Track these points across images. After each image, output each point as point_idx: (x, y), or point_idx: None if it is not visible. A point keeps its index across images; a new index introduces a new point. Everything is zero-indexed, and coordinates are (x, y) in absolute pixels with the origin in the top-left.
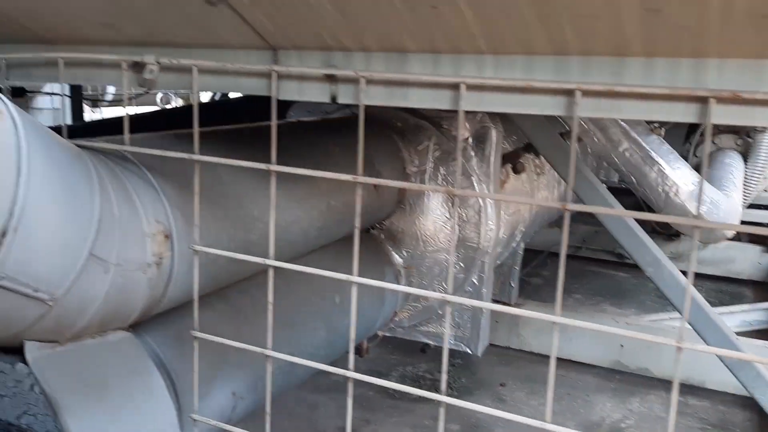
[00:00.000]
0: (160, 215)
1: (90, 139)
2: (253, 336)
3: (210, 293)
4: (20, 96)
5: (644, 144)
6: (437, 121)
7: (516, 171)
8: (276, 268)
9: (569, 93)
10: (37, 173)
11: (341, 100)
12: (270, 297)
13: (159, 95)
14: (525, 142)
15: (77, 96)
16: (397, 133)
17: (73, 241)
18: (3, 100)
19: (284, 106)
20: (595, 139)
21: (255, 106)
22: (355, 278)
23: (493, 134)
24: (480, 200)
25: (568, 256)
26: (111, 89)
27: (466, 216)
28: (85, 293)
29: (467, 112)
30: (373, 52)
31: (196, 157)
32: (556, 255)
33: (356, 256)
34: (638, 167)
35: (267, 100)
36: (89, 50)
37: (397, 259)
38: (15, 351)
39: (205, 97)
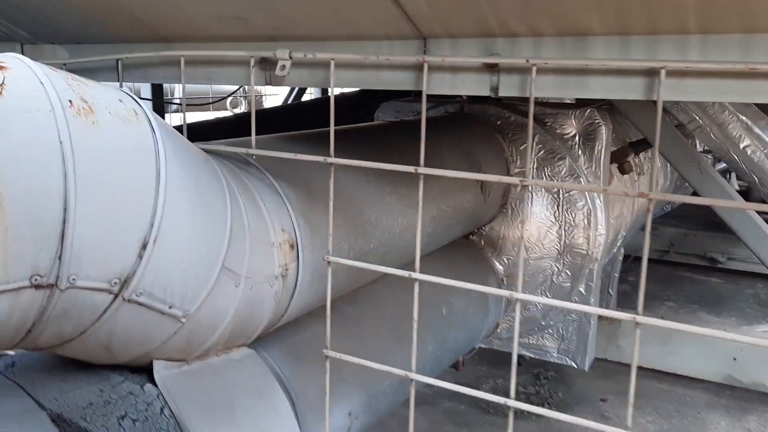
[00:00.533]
0: (286, 223)
1: (211, 143)
2: (369, 351)
3: (321, 305)
4: None
5: None
6: (540, 118)
7: (623, 171)
8: (387, 279)
9: None
10: (174, 180)
11: (503, 92)
12: (415, 314)
13: (230, 99)
14: (630, 139)
15: (158, 99)
16: (499, 131)
17: (207, 253)
18: (136, 101)
19: (371, 107)
20: (712, 136)
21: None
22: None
23: (604, 132)
24: (589, 203)
25: (656, 261)
26: (177, 92)
27: (574, 220)
28: (216, 308)
29: (573, 107)
30: (544, 36)
31: (332, 159)
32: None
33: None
34: (761, 165)
35: (341, 102)
36: (209, 48)
37: (498, 266)
38: (142, 370)
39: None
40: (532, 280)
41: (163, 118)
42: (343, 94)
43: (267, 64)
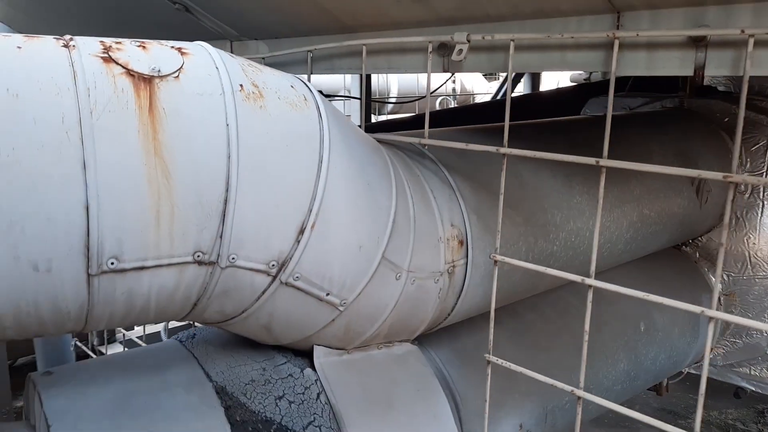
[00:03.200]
0: (456, 218)
1: (388, 133)
2: (547, 361)
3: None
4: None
5: None
6: None
7: None
8: (571, 285)
9: None
10: (337, 167)
11: (711, 72)
12: (586, 325)
13: (438, 100)
14: None
15: (367, 99)
16: (726, 129)
17: (367, 243)
18: (309, 88)
19: (578, 102)
20: None
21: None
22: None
23: None
24: None
25: None
26: (393, 91)
27: None
28: (375, 300)
29: None
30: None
31: (504, 150)
32: None
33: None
34: None
35: (554, 98)
36: (392, 35)
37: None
38: (305, 354)
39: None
40: (757, 302)
41: (369, 117)
42: (558, 89)
43: (445, 50)
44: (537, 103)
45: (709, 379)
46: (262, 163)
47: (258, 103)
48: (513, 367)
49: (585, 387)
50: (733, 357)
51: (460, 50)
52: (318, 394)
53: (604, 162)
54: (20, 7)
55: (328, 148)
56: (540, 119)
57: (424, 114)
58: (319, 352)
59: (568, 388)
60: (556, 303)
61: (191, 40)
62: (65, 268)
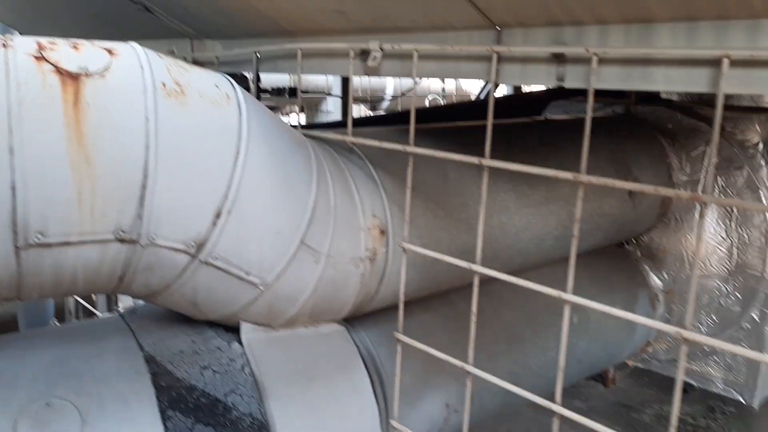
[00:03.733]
0: (378, 210)
1: (317, 129)
2: (477, 348)
3: (432, 295)
4: (294, 96)
5: None
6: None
7: None
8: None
9: None
10: (254, 158)
11: (569, 84)
12: (473, 306)
13: (428, 98)
14: None
15: (346, 96)
16: (666, 135)
17: (285, 229)
18: (233, 86)
19: (539, 105)
20: None
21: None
22: (568, 296)
23: None
24: None
25: None
26: (389, 91)
27: (749, 238)
28: (295, 281)
29: (756, 111)
30: (610, 24)
31: (410, 149)
32: None
33: (572, 270)
34: None
35: (517, 100)
36: (324, 41)
37: (656, 281)
38: (234, 330)
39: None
40: (695, 301)
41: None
42: (528, 93)
43: (365, 56)
44: (507, 105)
45: (660, 375)
46: (179, 153)
47: (179, 100)
48: (418, 345)
49: (512, 370)
50: (675, 352)
51: (375, 57)
52: (243, 366)
53: (486, 162)
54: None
55: (246, 141)
56: (478, 122)
57: (405, 111)
58: (246, 328)
59: (459, 363)
60: (491, 293)
61: (158, 38)
62: None
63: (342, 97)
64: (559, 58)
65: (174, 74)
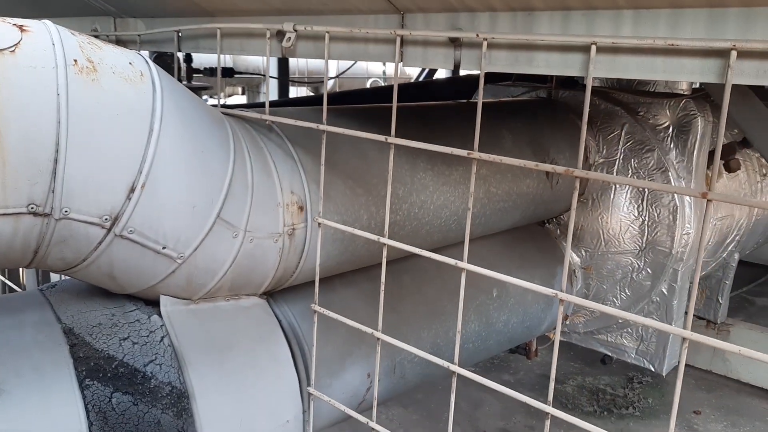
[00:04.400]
0: (297, 187)
1: (235, 108)
2: (397, 320)
3: (355, 271)
4: (230, 76)
5: None
6: (633, 108)
7: (729, 168)
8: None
9: (723, 54)
10: (168, 135)
11: (464, 68)
12: (383, 276)
13: (370, 81)
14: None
15: (284, 78)
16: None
17: (201, 203)
18: (148, 63)
19: (469, 89)
20: None
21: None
22: (464, 264)
23: (699, 124)
24: (676, 200)
25: None
26: (332, 72)
27: (659, 216)
28: (213, 255)
29: (668, 96)
30: (498, 11)
31: (323, 127)
32: None
33: (467, 240)
34: None
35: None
36: (242, 21)
37: (574, 258)
38: (155, 304)
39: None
40: (610, 276)
41: (287, 93)
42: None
43: (281, 37)
44: (436, 89)
45: (581, 347)
46: (91, 129)
47: (90, 77)
48: (333, 315)
49: (433, 341)
50: (592, 325)
51: (289, 38)
52: (162, 338)
53: (392, 140)
54: None
55: (160, 118)
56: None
57: (339, 92)
58: (165, 301)
59: (369, 330)
60: (412, 269)
61: (81, 15)
62: None
63: (278, 78)
64: (455, 42)
65: (86, 51)
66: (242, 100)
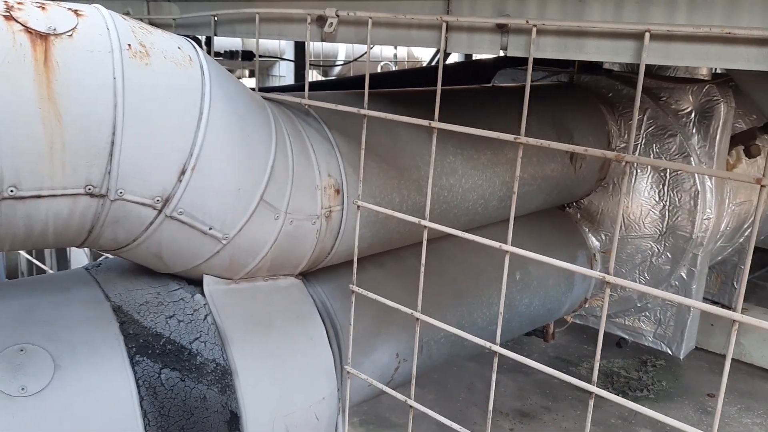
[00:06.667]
0: (333, 170)
1: (276, 93)
2: (425, 302)
3: (383, 252)
4: (249, 59)
5: None
6: (655, 93)
7: (749, 154)
8: (455, 237)
9: None
10: (217, 119)
11: (511, 53)
12: (423, 258)
13: (380, 64)
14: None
15: (301, 61)
16: (607, 104)
17: (246, 186)
18: (195, 48)
19: (488, 73)
20: None
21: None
22: (508, 246)
23: (722, 109)
24: (698, 185)
25: None
26: (341, 56)
27: (679, 201)
28: (255, 236)
29: (690, 81)
30: None
31: (364, 111)
32: None
33: (511, 223)
34: None
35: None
36: (282, 6)
37: (594, 242)
38: (197, 283)
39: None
40: (629, 260)
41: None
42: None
43: (322, 22)
44: (458, 72)
45: (596, 330)
46: (146, 112)
47: (144, 61)
48: (371, 295)
49: (457, 322)
50: (610, 308)
51: (331, 23)
52: (205, 316)
53: (436, 124)
54: None
55: (209, 102)
56: (428, 88)
57: (361, 76)
58: (208, 280)
59: (408, 310)
60: (440, 251)
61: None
62: None
63: (295, 62)
64: (502, 29)
65: (138, 35)
66: (251, 82)
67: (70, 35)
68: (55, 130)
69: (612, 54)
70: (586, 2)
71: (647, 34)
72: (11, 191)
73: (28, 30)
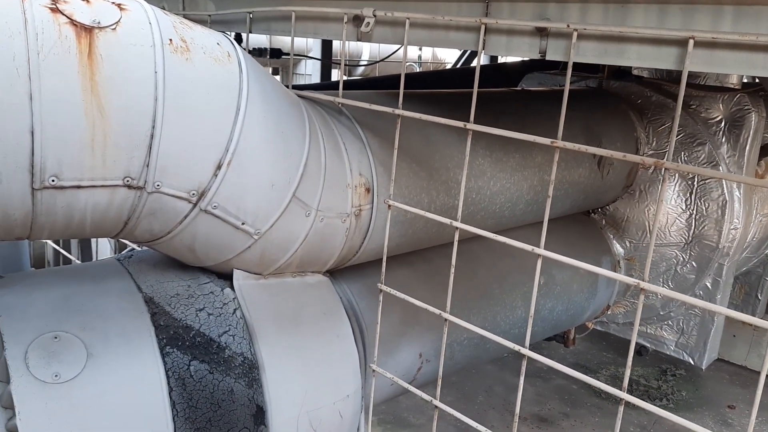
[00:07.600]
0: (365, 169)
1: (310, 91)
2: (446, 301)
3: (410, 253)
4: (277, 57)
5: None
6: (685, 100)
7: None
8: (481, 239)
9: None
10: (253, 115)
11: (550, 56)
12: (453, 259)
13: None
14: None
15: (327, 59)
16: (636, 110)
17: (279, 182)
18: (233, 45)
19: (515, 76)
20: None
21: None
22: (540, 250)
23: (753, 119)
24: (726, 194)
25: None
26: (365, 55)
27: (707, 210)
28: (286, 232)
29: (721, 90)
30: (590, 3)
31: (399, 111)
32: None
33: (545, 227)
34: None
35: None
36: (318, 5)
37: (618, 248)
38: (227, 277)
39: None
40: (654, 268)
41: (329, 76)
42: (504, 64)
43: (358, 21)
44: (484, 75)
45: (616, 337)
46: (185, 106)
47: (185, 56)
48: (399, 294)
49: (482, 324)
50: (632, 316)
51: (368, 23)
52: (234, 310)
53: (471, 126)
54: None
55: (246, 98)
56: (460, 90)
57: (391, 76)
58: (238, 275)
59: (437, 311)
60: (466, 253)
61: None
62: (13, 180)
63: (322, 60)
64: (542, 32)
65: (180, 31)
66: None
67: (114, 29)
68: (97, 122)
69: (654, 60)
70: (629, 8)
71: (691, 41)
72: (52, 180)
73: (73, 23)
